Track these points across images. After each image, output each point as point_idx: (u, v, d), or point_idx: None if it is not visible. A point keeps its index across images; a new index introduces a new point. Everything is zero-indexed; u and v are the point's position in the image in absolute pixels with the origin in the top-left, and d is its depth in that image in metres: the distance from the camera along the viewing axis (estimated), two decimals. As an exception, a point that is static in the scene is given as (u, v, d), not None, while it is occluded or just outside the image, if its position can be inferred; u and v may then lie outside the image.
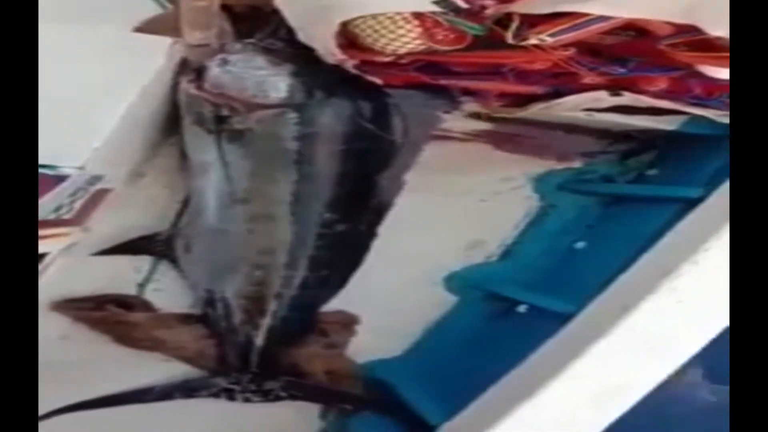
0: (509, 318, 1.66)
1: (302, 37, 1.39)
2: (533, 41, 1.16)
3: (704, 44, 1.14)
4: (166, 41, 1.43)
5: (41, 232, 1.29)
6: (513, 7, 1.15)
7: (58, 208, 1.41)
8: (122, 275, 1.62)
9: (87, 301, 1.58)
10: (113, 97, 1.37)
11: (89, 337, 1.58)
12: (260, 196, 1.53)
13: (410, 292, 1.67)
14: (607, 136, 1.68)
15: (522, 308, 1.64)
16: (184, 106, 1.49)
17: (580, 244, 1.70)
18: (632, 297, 1.25)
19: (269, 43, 1.49)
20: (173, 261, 1.61)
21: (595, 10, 1.09)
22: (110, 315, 1.58)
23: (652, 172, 1.68)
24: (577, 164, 1.72)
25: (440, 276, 1.70)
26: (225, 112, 1.47)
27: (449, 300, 1.71)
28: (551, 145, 1.69)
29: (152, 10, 1.50)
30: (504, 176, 1.72)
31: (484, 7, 1.16)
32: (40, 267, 1.42)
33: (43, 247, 1.37)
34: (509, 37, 1.17)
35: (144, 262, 1.63)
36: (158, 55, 1.42)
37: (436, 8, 1.17)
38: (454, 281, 1.72)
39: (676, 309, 1.22)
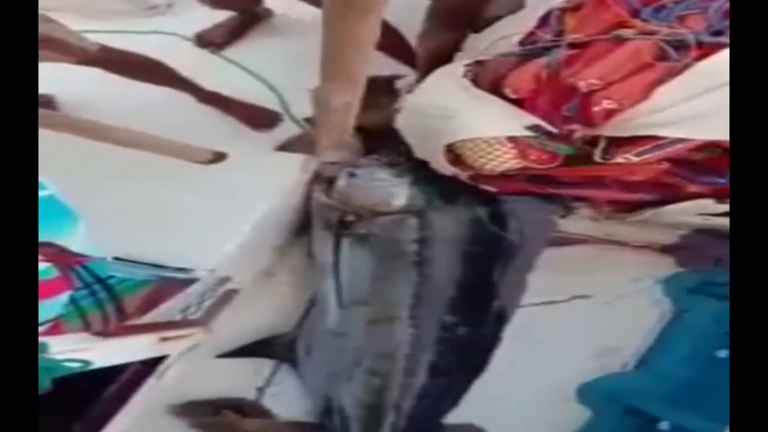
0: (651, 436, 1.71)
1: (419, 153, 1.81)
2: (620, 160, 1.47)
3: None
4: (301, 157, 1.91)
5: (165, 334, 1.51)
6: (598, 131, 1.48)
7: (185, 309, 1.66)
8: (242, 378, 1.78)
9: (205, 405, 1.73)
10: (249, 205, 1.77)
11: (203, 444, 1.71)
12: (380, 299, 1.79)
13: (540, 404, 1.71)
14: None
15: (664, 425, 1.68)
16: (314, 213, 1.91)
17: (722, 353, 1.75)
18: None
19: (392, 158, 1.92)
20: (294, 364, 1.82)
21: (671, 133, 1.38)
22: (226, 421, 1.71)
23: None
24: (707, 267, 1.85)
25: (571, 387, 1.74)
26: (350, 217, 1.86)
27: (583, 414, 1.73)
28: (679, 248, 1.87)
29: (292, 131, 2.02)
30: (631, 278, 1.87)
31: (572, 131, 1.50)
32: (161, 368, 1.54)
33: (165, 349, 1.52)
34: (597, 156, 1.49)
35: (265, 365, 1.84)
36: (294, 170, 1.89)
37: (528, 133, 1.52)
38: (586, 393, 1.76)
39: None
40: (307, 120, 2.02)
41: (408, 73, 2.04)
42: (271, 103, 2.08)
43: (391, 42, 1.86)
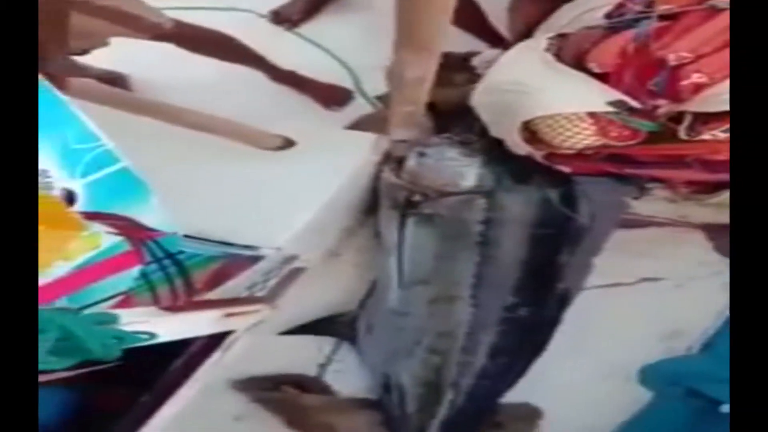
0: (713, 419, 1.63)
1: (493, 131, 1.79)
2: (706, 136, 1.42)
3: None
4: (372, 136, 1.91)
5: (230, 310, 1.50)
6: (685, 106, 1.43)
7: (251, 286, 1.68)
8: (304, 355, 1.80)
9: (265, 380, 1.75)
10: (318, 184, 1.79)
11: (263, 419, 1.71)
12: (441, 278, 1.78)
13: (599, 385, 1.70)
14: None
15: (726, 408, 1.60)
16: (383, 192, 1.91)
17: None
18: None
19: (465, 137, 1.89)
20: (354, 342, 1.80)
21: (764, 109, 1.32)
22: (285, 396, 1.73)
23: None
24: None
25: (633, 369, 1.71)
26: (417, 197, 1.85)
27: (644, 396, 1.69)
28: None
29: (363, 109, 2.01)
30: (701, 260, 1.82)
31: (656, 107, 1.46)
32: (225, 343, 1.56)
33: (230, 324, 1.53)
34: (682, 133, 1.44)
35: (327, 342, 1.82)
36: (364, 149, 1.89)
37: (610, 109, 1.48)
38: (648, 375, 1.73)
39: None
40: (379, 98, 2.01)
41: (484, 50, 2.01)
42: (343, 80, 2.08)
43: (469, 16, 1.84)
